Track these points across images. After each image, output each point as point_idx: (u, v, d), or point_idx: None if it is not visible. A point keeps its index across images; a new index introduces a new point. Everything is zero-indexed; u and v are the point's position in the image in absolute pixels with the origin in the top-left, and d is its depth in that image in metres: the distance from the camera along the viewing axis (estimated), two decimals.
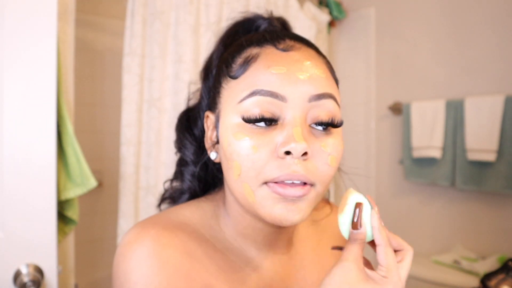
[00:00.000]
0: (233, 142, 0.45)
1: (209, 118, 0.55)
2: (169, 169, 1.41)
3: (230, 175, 0.47)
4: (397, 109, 1.91)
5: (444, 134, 1.70)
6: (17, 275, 0.85)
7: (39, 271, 0.88)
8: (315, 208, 0.61)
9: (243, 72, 0.48)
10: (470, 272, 1.50)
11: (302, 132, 0.43)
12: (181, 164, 0.62)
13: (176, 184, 0.64)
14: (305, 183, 0.44)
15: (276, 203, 0.44)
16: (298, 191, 0.43)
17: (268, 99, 0.44)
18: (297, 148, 0.42)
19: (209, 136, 0.54)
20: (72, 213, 1.09)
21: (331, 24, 2.10)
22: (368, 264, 0.46)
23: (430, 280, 1.55)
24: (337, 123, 0.47)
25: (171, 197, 0.64)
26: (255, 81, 0.45)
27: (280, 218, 0.44)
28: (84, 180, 1.06)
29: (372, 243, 0.46)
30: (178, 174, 0.63)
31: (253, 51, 0.49)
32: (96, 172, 1.31)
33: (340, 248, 0.48)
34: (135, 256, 0.45)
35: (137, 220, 1.41)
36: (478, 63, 1.66)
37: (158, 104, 1.45)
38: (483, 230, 1.66)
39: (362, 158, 2.11)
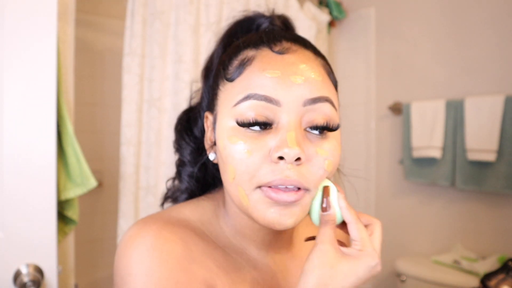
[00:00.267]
0: (228, 145, 0.45)
1: (208, 119, 0.55)
2: (169, 169, 1.41)
3: (226, 178, 0.48)
4: (397, 109, 1.91)
5: (444, 134, 1.70)
6: (17, 275, 0.85)
7: (39, 271, 0.88)
8: None
9: (238, 75, 0.47)
10: (470, 272, 1.50)
11: (296, 137, 0.43)
12: (179, 164, 0.62)
13: (177, 183, 0.64)
14: (298, 188, 0.45)
15: (269, 207, 0.44)
16: (290, 196, 0.44)
17: (262, 103, 0.44)
18: (289, 153, 0.42)
19: (208, 136, 0.55)
20: (72, 213, 1.09)
21: (331, 24, 2.10)
22: (343, 244, 0.47)
23: (430, 280, 1.55)
24: (333, 126, 0.47)
25: (172, 197, 0.64)
26: (249, 84, 0.45)
27: (273, 222, 0.45)
28: (84, 180, 1.06)
29: (343, 226, 0.47)
30: (177, 174, 0.63)
31: (249, 53, 0.49)
32: (96, 172, 1.31)
33: (313, 238, 0.49)
34: (137, 249, 0.45)
35: (137, 220, 1.41)
36: (478, 63, 1.66)
37: (158, 104, 1.45)
38: (483, 230, 1.65)
39: (362, 158, 2.11)
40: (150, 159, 1.43)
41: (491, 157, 1.53)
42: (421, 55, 1.86)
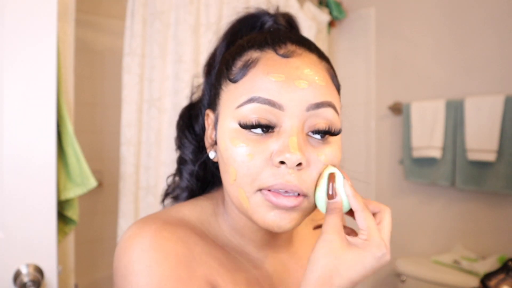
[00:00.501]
0: (230, 147, 0.46)
1: (209, 117, 0.55)
2: (169, 169, 1.40)
3: (227, 179, 0.48)
4: (397, 109, 1.91)
5: (444, 134, 1.70)
6: (17, 275, 0.85)
7: (39, 271, 0.88)
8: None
9: (242, 77, 0.47)
10: (470, 272, 1.50)
11: (298, 142, 0.43)
12: (181, 162, 0.62)
13: (177, 179, 0.64)
14: (298, 194, 0.45)
15: (269, 211, 0.45)
16: (290, 201, 0.44)
17: (266, 107, 0.44)
18: (291, 158, 0.42)
19: (209, 134, 0.55)
20: (72, 213, 1.09)
21: (331, 24, 2.10)
22: (353, 232, 0.46)
23: (430, 280, 1.55)
24: (335, 131, 0.47)
25: (173, 195, 0.64)
26: (253, 87, 0.45)
27: (273, 225, 0.45)
28: (84, 180, 1.06)
29: (351, 213, 0.46)
30: (178, 172, 0.63)
31: (253, 54, 0.48)
32: (96, 172, 1.31)
33: (321, 226, 0.48)
34: (137, 248, 0.45)
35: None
36: (478, 63, 1.66)
37: (158, 104, 1.45)
38: (483, 230, 1.65)
39: (362, 158, 2.11)
40: (150, 159, 1.43)
41: (491, 157, 1.53)
42: (421, 55, 1.86)
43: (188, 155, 0.60)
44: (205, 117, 0.56)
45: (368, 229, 0.42)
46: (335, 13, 2.04)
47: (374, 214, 0.46)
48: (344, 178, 0.45)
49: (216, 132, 0.51)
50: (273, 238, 0.56)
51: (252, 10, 0.59)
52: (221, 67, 0.53)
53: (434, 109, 1.72)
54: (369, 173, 2.08)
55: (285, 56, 0.47)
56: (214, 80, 0.55)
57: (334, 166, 0.47)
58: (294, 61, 0.47)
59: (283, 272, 0.57)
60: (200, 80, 0.63)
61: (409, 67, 1.91)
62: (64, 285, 1.14)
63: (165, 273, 0.44)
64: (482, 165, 1.58)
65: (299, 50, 0.48)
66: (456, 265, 1.56)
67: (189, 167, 0.60)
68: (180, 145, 0.62)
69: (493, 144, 1.52)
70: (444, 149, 1.70)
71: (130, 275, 0.44)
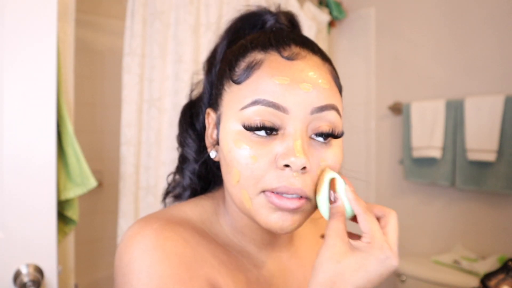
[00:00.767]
0: (233, 149, 0.46)
1: (210, 116, 0.55)
2: (169, 169, 1.40)
3: (229, 180, 0.48)
4: (397, 109, 1.91)
5: (444, 134, 1.70)
6: (17, 275, 0.85)
7: (39, 271, 0.88)
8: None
9: (246, 78, 0.47)
10: (470, 272, 1.50)
11: (302, 146, 0.44)
12: (183, 160, 0.62)
13: (177, 177, 0.64)
14: (301, 196, 0.45)
15: (272, 212, 0.45)
16: (293, 203, 0.44)
17: (270, 109, 0.44)
18: (296, 162, 0.42)
19: (210, 133, 0.55)
20: (72, 213, 1.09)
21: (331, 24, 2.10)
22: (356, 237, 0.45)
23: (430, 280, 1.55)
24: (337, 133, 0.47)
25: (175, 193, 0.64)
26: (257, 89, 0.45)
27: (275, 226, 0.45)
28: (84, 180, 1.06)
29: (356, 219, 0.45)
30: (180, 170, 0.63)
31: (257, 56, 0.48)
32: (96, 172, 1.31)
33: None
34: (139, 247, 0.45)
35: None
36: (478, 63, 1.66)
37: (158, 104, 1.45)
38: (483, 230, 1.65)
39: (362, 158, 2.11)
40: (150, 159, 1.43)
41: (491, 157, 1.53)
42: (421, 55, 1.86)
43: (191, 154, 0.60)
44: (206, 116, 0.56)
45: (371, 232, 0.42)
46: (335, 13, 2.04)
47: (379, 219, 0.45)
48: (345, 183, 0.45)
49: (218, 132, 0.51)
50: (274, 238, 0.56)
51: (253, 8, 0.59)
52: (224, 67, 0.52)
53: (434, 109, 1.72)
54: (369, 173, 2.08)
55: (289, 58, 0.47)
56: (216, 80, 0.54)
57: (334, 169, 0.47)
58: (298, 64, 0.47)
59: (283, 272, 0.57)
60: (200, 76, 0.63)
61: (409, 67, 1.91)
62: (64, 285, 1.14)
63: (165, 273, 0.44)
64: (482, 165, 1.58)
65: (303, 52, 0.48)
66: (456, 265, 1.56)
67: (192, 166, 0.60)
68: (182, 143, 0.61)
69: (493, 144, 1.52)
70: (444, 149, 1.70)
71: (131, 274, 0.44)
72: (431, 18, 1.82)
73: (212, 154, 0.54)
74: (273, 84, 0.45)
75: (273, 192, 0.44)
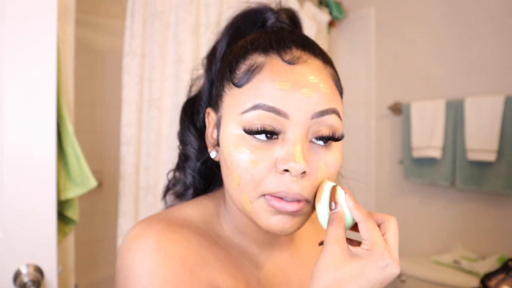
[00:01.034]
0: (233, 153, 0.46)
1: (210, 115, 0.55)
2: (169, 169, 1.40)
3: (229, 182, 0.48)
4: (397, 109, 1.91)
5: (444, 134, 1.70)
6: (17, 275, 0.85)
7: (39, 271, 0.88)
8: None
9: (246, 82, 0.47)
10: (470, 272, 1.50)
11: (302, 151, 0.44)
12: (184, 158, 0.61)
13: (178, 175, 0.63)
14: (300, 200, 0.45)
15: (272, 215, 0.45)
16: (292, 206, 0.44)
17: (271, 114, 0.44)
18: (296, 167, 0.42)
19: (210, 133, 0.54)
20: (72, 213, 1.09)
21: (331, 24, 2.10)
22: (356, 244, 0.45)
23: (430, 280, 1.55)
24: (338, 137, 0.47)
25: (177, 193, 0.63)
26: (258, 93, 0.45)
27: (276, 229, 0.45)
28: (84, 180, 1.06)
29: (356, 228, 0.45)
30: (181, 168, 0.62)
31: (258, 59, 0.48)
32: (96, 172, 1.31)
33: None
34: (141, 249, 0.45)
35: (137, 220, 1.41)
36: (478, 63, 1.66)
37: (158, 104, 1.45)
38: (483, 230, 1.65)
39: (362, 158, 2.11)
40: (150, 159, 1.43)
41: (491, 157, 1.53)
42: (421, 55, 1.86)
43: (193, 152, 0.60)
44: (206, 115, 0.56)
45: (371, 239, 0.41)
46: (335, 13, 2.04)
47: (378, 225, 0.44)
48: (345, 193, 0.45)
49: (218, 133, 0.51)
50: (275, 238, 0.56)
51: (253, 5, 0.58)
52: (224, 67, 0.52)
53: (434, 109, 1.72)
54: (369, 173, 2.08)
55: (290, 63, 0.47)
56: (216, 80, 0.54)
57: (334, 171, 0.47)
58: (299, 68, 0.46)
59: (284, 271, 0.57)
60: (199, 71, 0.62)
61: (409, 67, 1.91)
62: (64, 285, 1.14)
63: (167, 276, 0.44)
64: (482, 165, 1.58)
65: (304, 56, 0.48)
66: (456, 265, 1.56)
67: (193, 164, 0.60)
68: (184, 140, 0.61)
69: (493, 144, 1.52)
70: (444, 149, 1.70)
71: (132, 276, 0.44)
72: (431, 18, 1.82)
73: (213, 154, 0.54)
74: (274, 89, 0.44)
75: (273, 195, 0.45)
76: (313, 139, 0.46)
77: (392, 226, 0.43)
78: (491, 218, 1.63)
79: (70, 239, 1.17)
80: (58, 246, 1.01)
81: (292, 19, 0.59)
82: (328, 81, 0.47)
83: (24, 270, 0.86)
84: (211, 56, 0.59)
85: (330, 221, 0.44)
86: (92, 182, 1.07)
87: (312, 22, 1.81)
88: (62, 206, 1.07)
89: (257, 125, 0.44)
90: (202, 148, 0.59)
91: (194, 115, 0.61)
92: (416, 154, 1.78)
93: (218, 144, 0.52)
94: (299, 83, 0.45)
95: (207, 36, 1.50)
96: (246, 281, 0.51)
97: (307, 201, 0.46)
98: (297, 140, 0.44)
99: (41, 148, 0.88)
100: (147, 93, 1.44)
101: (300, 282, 0.57)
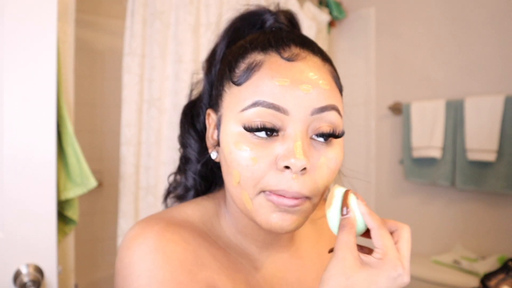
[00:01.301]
0: (233, 151, 0.46)
1: (210, 116, 0.55)
2: (169, 169, 1.41)
3: (230, 181, 0.48)
4: (397, 109, 1.91)
5: (444, 134, 1.70)
6: (17, 275, 0.85)
7: (39, 271, 0.88)
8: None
9: (246, 80, 0.47)
10: (470, 272, 1.50)
11: (303, 147, 0.44)
12: (186, 161, 0.61)
13: (178, 178, 0.63)
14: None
15: (272, 212, 0.45)
16: (291, 201, 0.44)
17: (270, 111, 0.44)
18: (296, 164, 0.42)
19: (210, 134, 0.54)
20: (72, 213, 1.09)
21: (331, 24, 2.10)
22: (368, 251, 0.44)
23: (430, 280, 1.55)
24: (338, 134, 0.47)
25: (177, 195, 0.63)
26: (258, 91, 0.45)
27: (276, 226, 0.45)
28: (84, 180, 1.06)
29: (368, 235, 0.44)
30: (182, 171, 0.63)
31: (257, 57, 0.48)
32: (96, 172, 1.31)
33: None
34: (139, 249, 0.45)
35: (137, 220, 1.41)
36: (478, 63, 1.66)
37: (158, 104, 1.45)
38: (483, 230, 1.66)
39: (362, 158, 2.11)
40: (150, 159, 1.43)
41: (491, 157, 1.53)
42: (421, 55, 1.86)
43: (193, 154, 0.60)
44: (206, 116, 0.56)
45: (384, 247, 0.40)
46: (335, 13, 2.04)
47: (391, 233, 0.43)
48: (357, 198, 0.44)
49: (218, 133, 0.51)
50: (276, 238, 0.56)
51: (252, 7, 0.58)
52: (223, 67, 0.52)
53: (434, 109, 1.72)
54: (369, 173, 2.08)
55: (289, 59, 0.47)
56: (216, 80, 0.54)
57: (335, 168, 0.47)
58: (298, 65, 0.46)
59: (284, 272, 0.57)
60: (200, 76, 0.62)
61: (409, 67, 1.91)
62: (64, 285, 1.14)
63: (165, 277, 0.44)
64: (482, 165, 1.58)
65: (303, 53, 0.48)
66: (456, 265, 1.56)
67: (194, 166, 0.60)
68: (184, 144, 0.61)
69: (493, 144, 1.52)
70: (444, 149, 1.70)
71: (131, 276, 0.45)
72: (431, 18, 1.82)
73: (213, 155, 0.54)
74: (273, 85, 0.45)
75: (272, 192, 0.45)
76: (314, 136, 0.46)
77: (405, 235, 0.42)
78: (491, 218, 1.63)
79: (70, 239, 1.17)
80: (58, 246, 1.01)
81: (290, 20, 0.59)
82: (327, 77, 0.48)
83: (24, 270, 0.86)
84: (211, 58, 0.59)
85: (341, 227, 0.43)
86: (92, 182, 1.07)
87: (312, 22, 1.81)
88: (62, 206, 1.07)
89: (257, 122, 0.44)
90: (203, 150, 0.59)
91: (194, 117, 0.61)
92: (416, 154, 1.78)
93: (218, 145, 0.52)
94: (298, 80, 0.45)
95: (207, 36, 1.50)
96: (246, 282, 0.51)
97: (307, 197, 0.45)
98: (297, 136, 0.44)
99: (41, 148, 0.88)
100: (147, 93, 1.44)
101: (300, 283, 0.57)
